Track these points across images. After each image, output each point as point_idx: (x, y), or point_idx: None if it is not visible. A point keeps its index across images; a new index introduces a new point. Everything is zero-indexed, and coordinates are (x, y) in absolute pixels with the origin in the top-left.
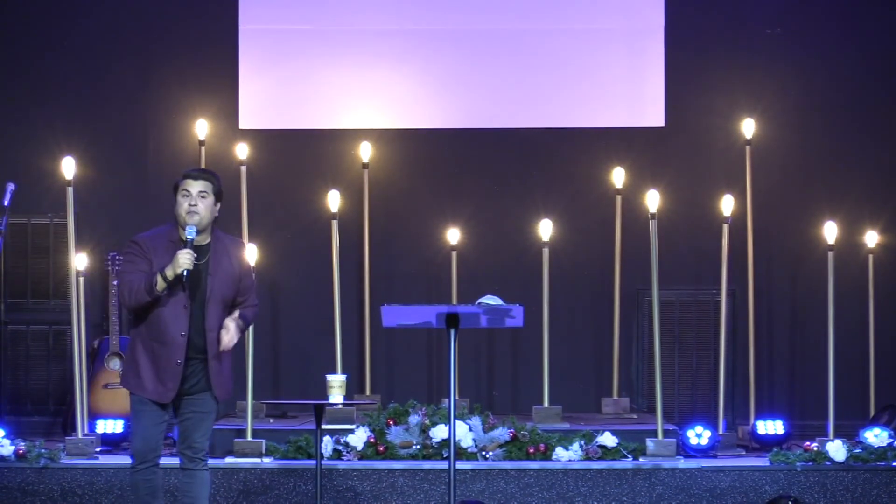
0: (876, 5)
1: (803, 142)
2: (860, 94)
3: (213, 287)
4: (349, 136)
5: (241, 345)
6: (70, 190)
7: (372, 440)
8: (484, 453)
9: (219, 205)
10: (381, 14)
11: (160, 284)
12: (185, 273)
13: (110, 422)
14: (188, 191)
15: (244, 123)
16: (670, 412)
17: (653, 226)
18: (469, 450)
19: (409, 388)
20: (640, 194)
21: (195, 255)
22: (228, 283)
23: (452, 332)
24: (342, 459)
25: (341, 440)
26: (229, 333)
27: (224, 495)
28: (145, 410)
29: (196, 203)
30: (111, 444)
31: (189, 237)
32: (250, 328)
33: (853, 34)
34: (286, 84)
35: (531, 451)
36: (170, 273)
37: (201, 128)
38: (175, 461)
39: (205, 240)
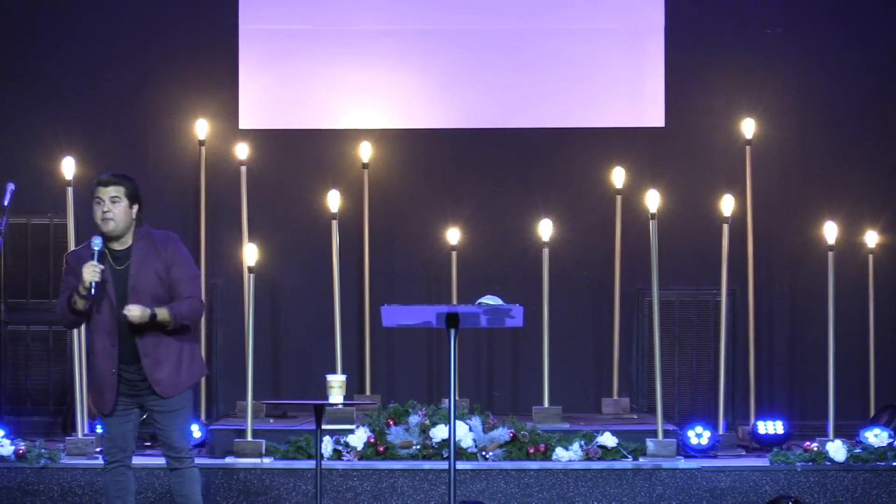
0: (876, 5)
1: (803, 142)
2: (860, 95)
3: (135, 286)
4: (349, 136)
5: (241, 344)
6: (70, 190)
7: (372, 440)
8: (484, 453)
9: (136, 207)
10: (381, 14)
11: (78, 302)
12: (92, 285)
13: None
14: (100, 198)
15: (244, 123)
16: (670, 412)
17: (653, 226)
18: (469, 450)
19: (409, 388)
20: (640, 194)
21: (101, 266)
22: (154, 280)
23: (452, 332)
24: (342, 459)
25: (341, 440)
26: (131, 312)
27: (224, 495)
28: (107, 416)
29: (108, 209)
30: None
31: (96, 248)
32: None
33: (853, 34)
34: (286, 84)
35: (531, 451)
36: (81, 289)
37: (201, 128)
38: (161, 461)
39: (125, 244)
